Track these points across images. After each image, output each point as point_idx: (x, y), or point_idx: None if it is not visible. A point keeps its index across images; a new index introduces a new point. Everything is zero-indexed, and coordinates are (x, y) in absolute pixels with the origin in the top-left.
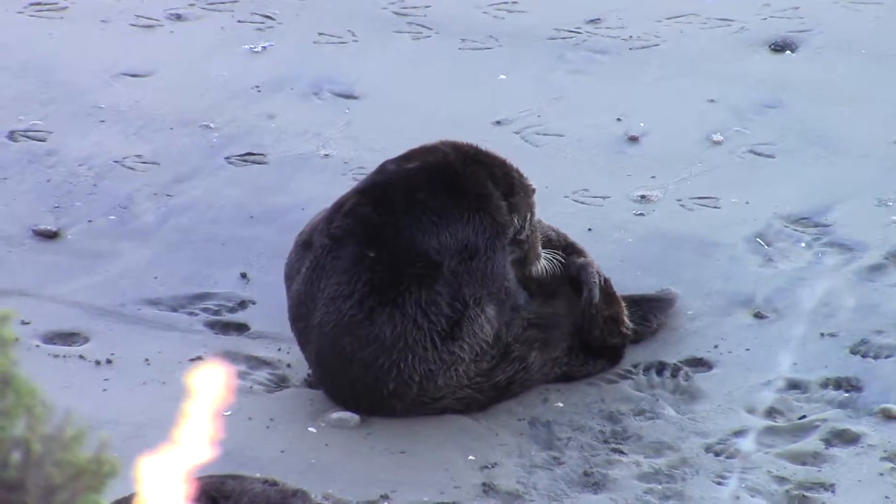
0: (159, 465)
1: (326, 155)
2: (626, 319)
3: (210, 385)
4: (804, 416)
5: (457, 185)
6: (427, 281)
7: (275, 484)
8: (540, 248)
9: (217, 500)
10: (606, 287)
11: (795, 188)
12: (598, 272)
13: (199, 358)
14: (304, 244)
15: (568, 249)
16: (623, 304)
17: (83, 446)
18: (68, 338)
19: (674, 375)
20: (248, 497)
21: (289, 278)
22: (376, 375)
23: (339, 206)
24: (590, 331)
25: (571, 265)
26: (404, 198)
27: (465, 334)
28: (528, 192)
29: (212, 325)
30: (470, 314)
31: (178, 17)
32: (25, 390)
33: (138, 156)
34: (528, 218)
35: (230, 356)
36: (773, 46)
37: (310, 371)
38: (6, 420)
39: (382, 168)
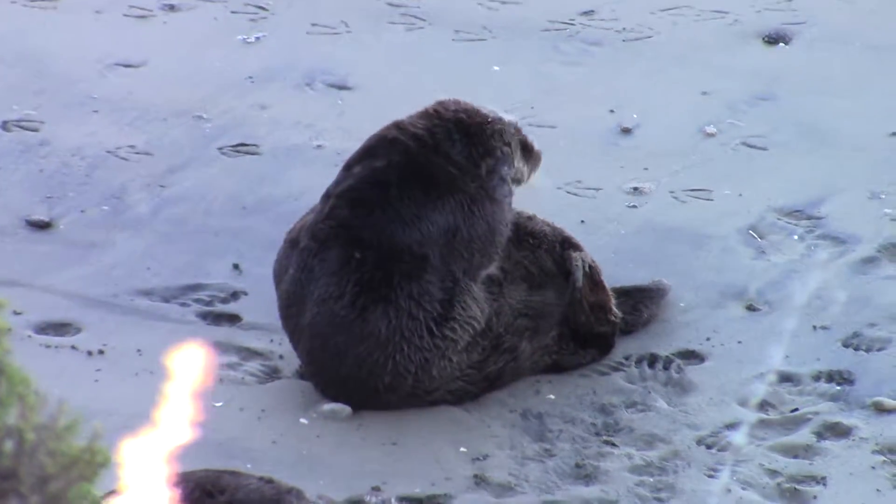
0: (150, 455)
1: (319, 146)
2: (614, 308)
3: (192, 368)
4: (796, 409)
5: (424, 176)
6: (417, 272)
7: (270, 481)
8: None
9: (212, 494)
10: (593, 274)
11: (788, 181)
12: (583, 258)
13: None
14: (292, 243)
15: (565, 244)
16: (610, 292)
17: (76, 436)
18: (61, 328)
19: (666, 368)
20: (243, 492)
21: (277, 276)
22: (370, 370)
23: (321, 208)
24: (576, 317)
25: (567, 259)
26: (379, 197)
27: (456, 313)
28: (501, 139)
29: (204, 316)
30: (460, 287)
31: (172, 8)
32: (18, 379)
33: (131, 146)
34: (506, 163)
35: (222, 347)
36: (766, 38)
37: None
38: None
39: (349, 171)
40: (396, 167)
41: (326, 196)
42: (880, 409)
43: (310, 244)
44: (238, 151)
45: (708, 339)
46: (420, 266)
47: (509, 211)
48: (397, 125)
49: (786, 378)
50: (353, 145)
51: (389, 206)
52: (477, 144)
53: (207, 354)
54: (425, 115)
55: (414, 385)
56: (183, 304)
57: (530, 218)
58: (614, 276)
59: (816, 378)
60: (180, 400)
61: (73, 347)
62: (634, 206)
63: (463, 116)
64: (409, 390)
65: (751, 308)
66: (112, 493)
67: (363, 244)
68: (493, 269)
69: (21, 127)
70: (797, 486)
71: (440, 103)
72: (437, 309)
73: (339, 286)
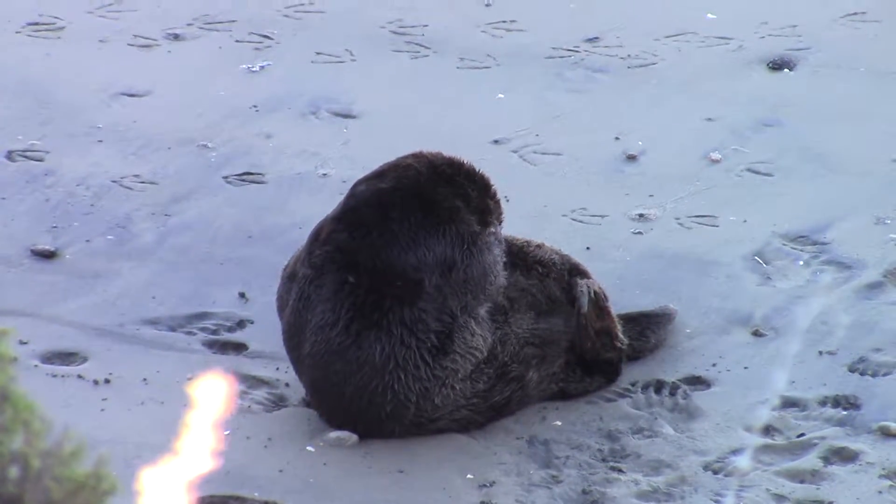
0: (159, 484)
1: (324, 174)
2: (620, 334)
3: (210, 398)
4: (802, 434)
5: (429, 202)
6: (409, 299)
7: None
8: None
9: None
10: (598, 300)
11: (793, 206)
12: (589, 285)
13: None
14: (290, 276)
15: (572, 272)
16: (616, 318)
17: (81, 462)
18: (67, 357)
19: (672, 394)
20: None
21: (280, 311)
22: (371, 399)
23: (316, 235)
24: (582, 343)
25: (574, 286)
26: (377, 219)
27: (457, 346)
28: (499, 213)
29: (210, 345)
30: (459, 324)
31: (176, 37)
32: (23, 405)
33: (136, 175)
34: (500, 232)
35: (228, 376)
36: (771, 65)
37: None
38: (4, 435)
39: (353, 191)
40: (402, 190)
41: (329, 217)
42: (887, 434)
43: (307, 272)
44: (243, 180)
45: (714, 364)
46: (413, 292)
47: (500, 264)
48: (416, 154)
49: (792, 403)
50: (358, 173)
51: (387, 228)
52: (487, 200)
53: (225, 383)
54: (451, 155)
55: (417, 414)
56: (189, 333)
57: (539, 246)
58: (620, 302)
59: (822, 403)
60: (191, 428)
61: (79, 377)
62: (640, 233)
63: (486, 178)
64: (412, 419)
65: (757, 334)
66: None
67: (358, 267)
68: (488, 305)
69: (26, 157)
70: None
71: None
72: (431, 340)
73: (335, 312)
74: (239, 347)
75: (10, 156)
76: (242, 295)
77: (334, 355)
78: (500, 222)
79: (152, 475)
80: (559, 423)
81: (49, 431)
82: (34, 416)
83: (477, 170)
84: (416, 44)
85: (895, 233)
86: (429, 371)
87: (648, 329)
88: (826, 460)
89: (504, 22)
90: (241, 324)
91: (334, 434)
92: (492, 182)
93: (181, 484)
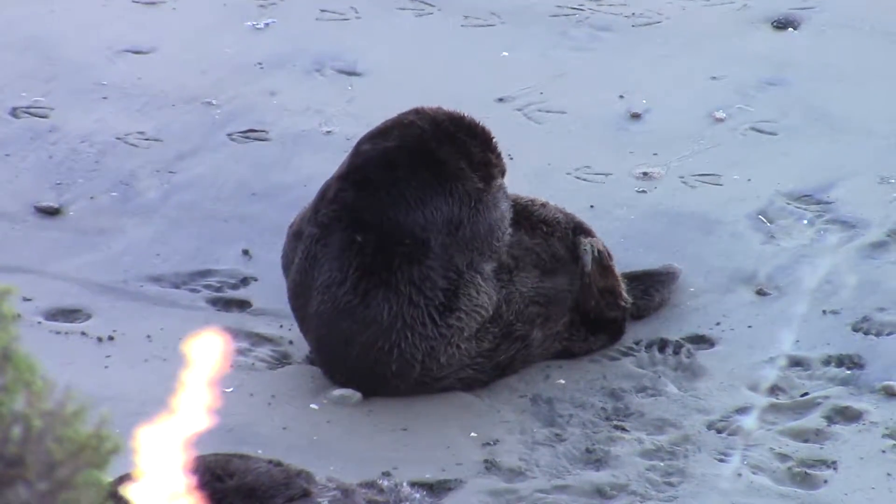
0: (160, 441)
1: (329, 132)
2: (624, 293)
3: (208, 354)
4: (806, 394)
5: (435, 161)
6: (417, 257)
7: (279, 464)
8: None
9: (222, 477)
10: (602, 259)
11: (798, 165)
12: (593, 244)
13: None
14: (296, 234)
15: (577, 230)
16: (620, 277)
17: (84, 422)
18: (70, 314)
19: (676, 352)
20: (252, 476)
21: (285, 269)
22: (377, 357)
23: (322, 194)
24: (586, 302)
25: (578, 245)
26: (384, 178)
27: (462, 303)
28: (501, 167)
29: (214, 302)
30: (465, 280)
31: None
32: (25, 366)
33: (140, 133)
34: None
35: (232, 333)
36: (775, 23)
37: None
38: (6, 396)
39: (358, 150)
40: (406, 148)
41: (335, 176)
42: (890, 394)
43: (313, 231)
44: (247, 137)
45: (718, 323)
46: (421, 251)
47: (507, 220)
48: (417, 110)
49: (796, 362)
50: (363, 131)
51: (395, 187)
52: (489, 154)
53: (222, 340)
54: (452, 110)
55: (422, 373)
56: (193, 290)
57: (544, 205)
58: (624, 260)
59: (826, 362)
60: (191, 386)
61: (82, 334)
62: (644, 192)
63: (487, 132)
64: (418, 378)
65: (760, 293)
66: (122, 478)
67: (365, 226)
68: (494, 263)
69: (30, 114)
70: (808, 471)
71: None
72: (439, 297)
73: (342, 271)
74: (242, 304)
75: (14, 112)
76: (246, 252)
77: (342, 314)
78: (503, 175)
79: (155, 432)
80: (563, 381)
81: (51, 392)
82: (35, 376)
83: (478, 123)
84: (421, 1)
85: None
86: (435, 330)
87: (652, 288)
88: (830, 420)
89: None
90: (244, 281)
91: (338, 392)
92: (493, 135)
93: (184, 441)
